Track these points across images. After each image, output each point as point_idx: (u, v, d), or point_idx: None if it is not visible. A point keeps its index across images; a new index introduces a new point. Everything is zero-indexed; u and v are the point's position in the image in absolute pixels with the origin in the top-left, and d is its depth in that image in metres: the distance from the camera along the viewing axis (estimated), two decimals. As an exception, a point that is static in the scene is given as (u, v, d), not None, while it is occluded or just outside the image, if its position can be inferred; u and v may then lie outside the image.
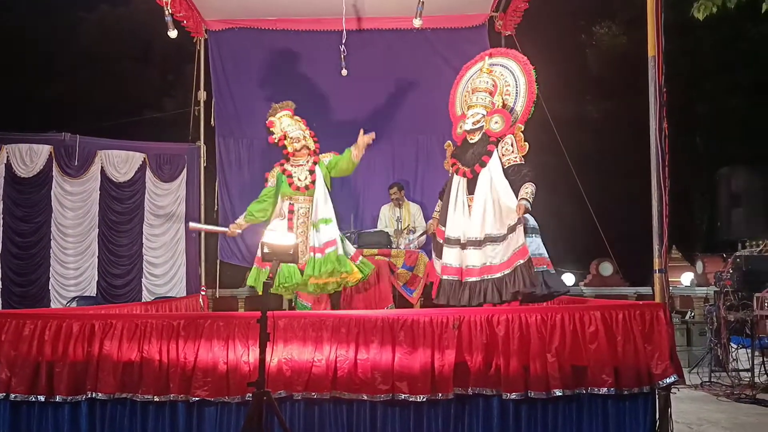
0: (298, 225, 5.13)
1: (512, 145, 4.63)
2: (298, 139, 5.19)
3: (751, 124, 11.97)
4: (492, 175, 4.59)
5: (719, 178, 7.59)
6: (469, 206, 4.68)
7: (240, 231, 5.39)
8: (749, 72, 11.86)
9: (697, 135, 12.98)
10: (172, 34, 6.49)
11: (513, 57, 4.93)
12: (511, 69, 4.87)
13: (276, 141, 5.26)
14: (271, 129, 5.31)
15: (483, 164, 4.63)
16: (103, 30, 11.55)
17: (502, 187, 4.52)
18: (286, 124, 5.24)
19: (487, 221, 4.54)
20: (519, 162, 4.59)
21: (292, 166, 5.23)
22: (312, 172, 5.19)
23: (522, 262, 4.36)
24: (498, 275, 4.45)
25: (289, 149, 5.25)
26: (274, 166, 5.36)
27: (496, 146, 4.67)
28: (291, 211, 5.15)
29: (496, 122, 4.68)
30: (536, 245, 4.53)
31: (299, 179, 5.17)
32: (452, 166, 4.84)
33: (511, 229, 4.45)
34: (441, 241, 4.86)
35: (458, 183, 4.75)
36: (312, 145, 5.29)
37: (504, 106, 4.79)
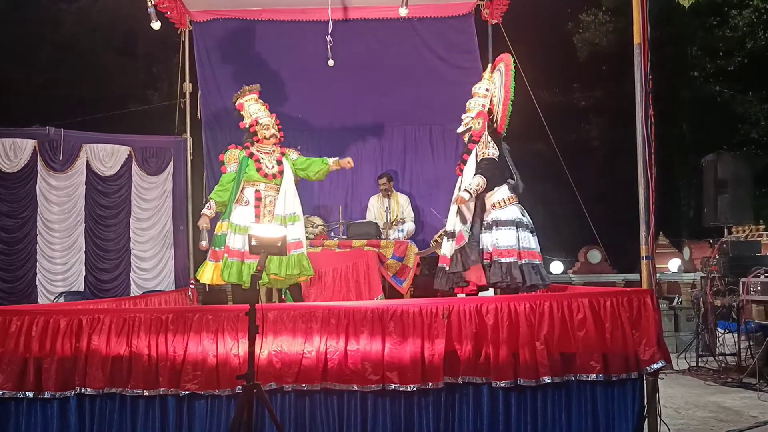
0: (265, 214, 4.98)
1: (484, 142, 4.88)
2: (268, 126, 5.09)
3: (736, 110, 12.07)
4: (468, 171, 4.85)
5: (705, 164, 7.61)
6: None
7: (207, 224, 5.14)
8: (734, 59, 11.94)
9: (683, 122, 13.07)
10: (156, 25, 6.43)
11: (504, 59, 5.13)
12: (501, 72, 5.09)
13: (247, 126, 5.13)
14: (240, 112, 5.19)
15: (464, 162, 4.92)
16: (85, 22, 11.41)
17: (467, 183, 4.80)
18: (255, 109, 5.13)
19: (452, 214, 4.87)
20: (486, 156, 4.82)
21: (258, 151, 5.10)
22: (279, 162, 5.09)
23: (457, 247, 4.72)
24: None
25: (259, 136, 5.11)
26: (229, 148, 5.20)
27: (477, 145, 4.92)
28: (258, 199, 5.00)
29: (479, 123, 4.95)
30: (514, 238, 4.71)
31: (267, 166, 5.04)
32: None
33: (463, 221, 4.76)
34: None
35: (458, 181, 5.01)
36: (278, 134, 5.18)
37: (492, 107, 5.02)
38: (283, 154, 5.16)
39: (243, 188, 5.03)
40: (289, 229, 4.91)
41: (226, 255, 4.89)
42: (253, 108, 5.14)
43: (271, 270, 4.83)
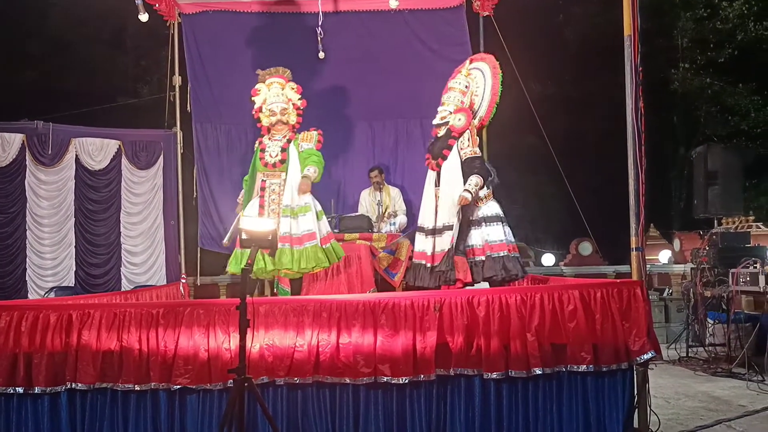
0: (269, 202, 4.88)
1: (468, 140, 4.91)
2: (274, 112, 4.92)
3: (726, 102, 12.12)
4: (453, 167, 4.87)
5: (695, 156, 7.65)
6: (435, 197, 4.95)
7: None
8: (725, 50, 11.98)
9: (673, 113, 13.11)
10: (143, 17, 6.38)
11: (488, 61, 5.21)
12: (483, 72, 5.15)
13: (253, 113, 5.01)
14: (253, 97, 5.04)
15: (444, 158, 4.92)
16: (74, 15, 11.28)
17: (456, 179, 4.82)
18: (273, 94, 4.97)
19: (444, 211, 4.84)
20: (473, 155, 4.88)
21: (269, 139, 4.98)
22: (284, 149, 4.93)
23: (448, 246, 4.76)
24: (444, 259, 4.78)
25: (264, 122, 4.98)
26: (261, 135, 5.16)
27: (457, 141, 4.93)
28: (263, 188, 4.91)
29: (459, 119, 4.96)
30: (502, 232, 4.84)
31: (270, 155, 4.92)
32: (426, 161, 5.10)
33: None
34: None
35: (429, 176, 5.04)
36: (293, 120, 5.02)
37: (471, 105, 5.08)
38: (290, 141, 4.97)
39: (257, 178, 4.98)
40: (299, 220, 4.81)
41: (237, 247, 4.89)
42: (272, 92, 4.98)
43: (284, 264, 4.73)
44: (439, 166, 4.93)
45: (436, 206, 4.92)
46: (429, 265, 4.84)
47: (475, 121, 5.03)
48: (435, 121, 5.02)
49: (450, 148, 4.89)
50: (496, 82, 5.01)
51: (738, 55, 11.88)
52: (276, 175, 4.92)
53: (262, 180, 4.94)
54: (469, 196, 4.66)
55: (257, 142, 5.10)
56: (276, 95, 4.98)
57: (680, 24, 12.13)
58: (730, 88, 12.06)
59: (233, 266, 4.90)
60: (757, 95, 11.94)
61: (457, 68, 5.43)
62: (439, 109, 5.04)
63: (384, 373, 3.63)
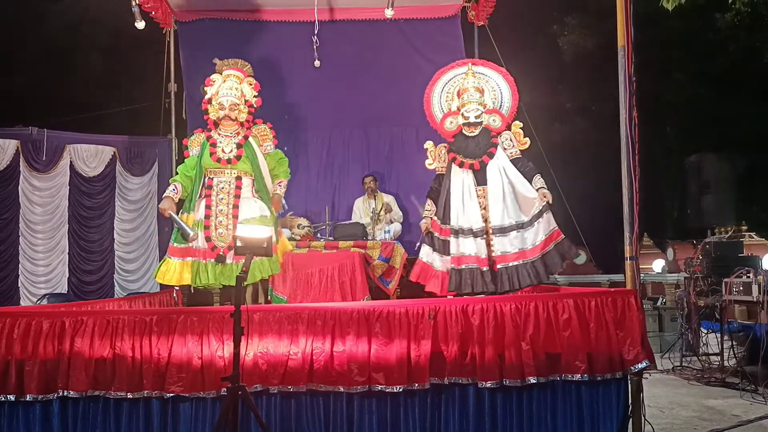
0: (217, 202, 4.51)
1: (511, 140, 4.96)
2: (223, 106, 4.58)
3: (719, 112, 12.22)
4: (503, 165, 4.83)
5: (689, 165, 7.71)
6: (478, 196, 4.82)
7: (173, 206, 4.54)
8: (717, 61, 12.09)
9: (667, 123, 13.20)
10: (140, 25, 6.39)
11: (493, 68, 5.22)
12: (493, 78, 5.15)
13: (203, 103, 4.72)
14: (206, 87, 4.74)
15: (491, 155, 4.85)
16: (69, 21, 11.30)
17: (517, 176, 4.81)
18: (227, 87, 4.65)
19: (509, 208, 4.74)
20: (518, 156, 4.94)
21: (219, 134, 4.63)
22: (240, 146, 4.59)
23: (558, 240, 4.69)
24: (535, 258, 4.67)
25: (211, 116, 4.64)
26: (194, 132, 4.83)
27: (500, 140, 4.96)
28: (209, 187, 4.51)
29: (494, 120, 4.97)
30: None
31: (223, 150, 4.56)
32: (453, 161, 4.93)
33: (538, 216, 4.72)
34: (442, 237, 4.89)
35: (463, 176, 4.86)
36: (242, 117, 4.66)
37: (494, 108, 5.09)
38: (246, 137, 4.65)
39: (204, 176, 4.61)
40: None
41: (196, 257, 4.56)
42: (226, 85, 4.67)
43: (226, 274, 4.44)
44: (483, 164, 4.82)
45: (481, 205, 4.77)
46: (485, 268, 4.64)
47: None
48: (471, 120, 4.87)
49: (495, 146, 4.88)
50: (514, 89, 5.08)
51: (730, 66, 12.00)
52: (225, 173, 4.57)
53: (209, 178, 4.57)
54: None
55: (203, 136, 4.70)
56: (230, 89, 4.66)
57: (673, 35, 12.24)
58: (723, 98, 12.16)
59: (173, 278, 4.54)
60: (749, 105, 12.04)
61: (442, 69, 5.28)
62: (470, 107, 4.89)
63: (378, 381, 3.62)
